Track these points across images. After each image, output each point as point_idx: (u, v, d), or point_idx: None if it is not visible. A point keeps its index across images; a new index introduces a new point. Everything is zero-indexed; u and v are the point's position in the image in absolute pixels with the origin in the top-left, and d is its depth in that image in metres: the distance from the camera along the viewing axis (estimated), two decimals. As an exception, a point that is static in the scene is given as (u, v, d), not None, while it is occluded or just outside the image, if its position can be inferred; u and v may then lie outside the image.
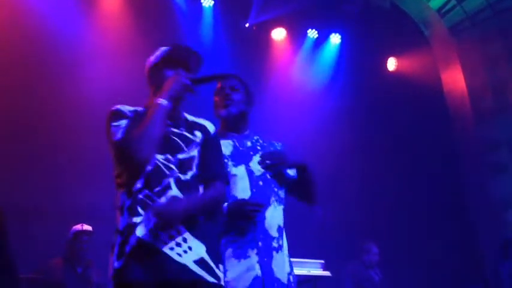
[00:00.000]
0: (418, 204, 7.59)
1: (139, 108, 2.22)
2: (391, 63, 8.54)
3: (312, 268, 4.64)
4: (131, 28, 6.57)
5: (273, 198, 2.64)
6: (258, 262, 2.49)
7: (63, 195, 5.49)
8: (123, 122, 2.12)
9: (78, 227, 4.82)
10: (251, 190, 2.56)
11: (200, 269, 2.01)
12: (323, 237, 6.32)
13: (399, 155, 7.77)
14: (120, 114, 2.15)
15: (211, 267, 2.04)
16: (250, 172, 2.62)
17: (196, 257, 2.02)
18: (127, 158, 2.04)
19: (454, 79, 8.49)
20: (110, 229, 2.16)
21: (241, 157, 2.65)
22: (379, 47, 8.29)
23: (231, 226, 2.50)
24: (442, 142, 8.05)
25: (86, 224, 4.88)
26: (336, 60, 8.09)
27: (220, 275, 2.08)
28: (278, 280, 2.55)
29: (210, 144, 2.26)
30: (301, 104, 7.47)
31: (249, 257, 2.49)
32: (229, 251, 2.48)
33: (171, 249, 1.99)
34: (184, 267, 1.98)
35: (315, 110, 7.52)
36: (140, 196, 2.04)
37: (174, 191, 2.05)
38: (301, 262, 4.61)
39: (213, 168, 2.21)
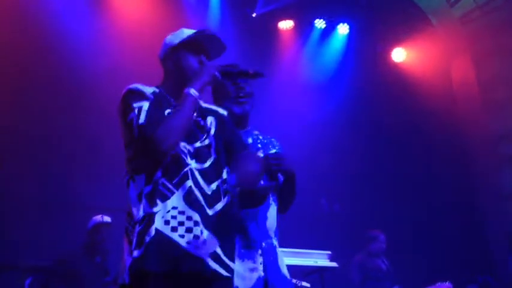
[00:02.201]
0: (426, 195, 7.56)
1: (157, 90, 2.14)
2: (400, 54, 8.47)
3: (319, 259, 4.63)
4: (138, 20, 6.55)
5: (271, 199, 2.64)
6: (261, 263, 2.49)
7: (78, 186, 5.52)
8: (145, 104, 2.01)
9: (98, 218, 4.85)
10: None
11: (214, 263, 1.99)
12: (330, 228, 6.31)
13: (407, 146, 7.74)
14: (141, 95, 2.04)
15: (225, 262, 2.03)
16: None
17: (210, 250, 1.99)
18: (149, 146, 1.96)
19: (464, 70, 8.42)
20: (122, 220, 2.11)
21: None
22: (388, 37, 8.23)
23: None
24: (451, 133, 8.00)
25: (104, 215, 4.91)
26: (343, 51, 8.02)
27: (233, 267, 2.07)
28: (284, 276, 2.58)
29: (226, 126, 2.23)
30: (308, 95, 7.43)
31: (253, 257, 2.49)
32: None
33: (188, 242, 1.97)
34: (200, 260, 1.97)
35: (322, 101, 7.48)
36: (159, 185, 1.99)
37: (190, 182, 2.01)
38: (308, 253, 4.61)
39: (238, 142, 2.22)
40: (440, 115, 7.94)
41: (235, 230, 2.14)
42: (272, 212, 2.62)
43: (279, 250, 2.62)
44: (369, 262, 6.00)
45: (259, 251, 2.51)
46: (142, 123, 1.97)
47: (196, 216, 1.99)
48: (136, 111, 1.99)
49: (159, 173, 1.99)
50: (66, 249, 4.83)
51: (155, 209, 1.97)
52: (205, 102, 2.30)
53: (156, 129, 1.94)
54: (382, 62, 8.21)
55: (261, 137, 2.77)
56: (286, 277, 2.58)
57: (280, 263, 2.57)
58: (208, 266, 1.97)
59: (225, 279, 2.01)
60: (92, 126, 5.67)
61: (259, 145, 2.72)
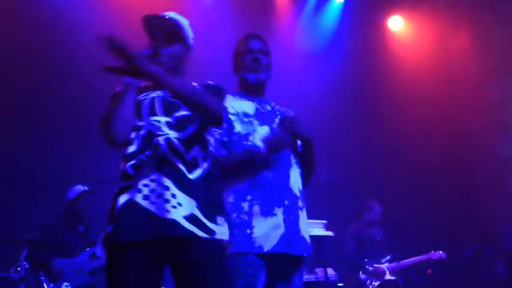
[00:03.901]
0: (422, 164, 7.58)
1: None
2: (396, 22, 8.37)
3: (314, 228, 4.66)
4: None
5: (293, 160, 2.67)
6: (283, 220, 2.50)
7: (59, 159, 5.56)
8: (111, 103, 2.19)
9: (80, 187, 4.84)
10: None
11: (190, 225, 2.01)
12: (326, 197, 6.34)
13: (403, 116, 7.72)
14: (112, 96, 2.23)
15: (203, 223, 2.04)
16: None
17: (186, 213, 2.02)
18: (103, 137, 2.12)
19: (462, 40, 8.34)
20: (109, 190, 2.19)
21: (264, 118, 2.68)
22: (385, 5, 8.12)
23: (258, 183, 2.52)
24: (447, 102, 7.97)
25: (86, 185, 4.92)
26: (339, 20, 7.92)
27: (216, 229, 2.07)
28: (303, 239, 2.59)
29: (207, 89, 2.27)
30: (304, 64, 7.37)
31: (275, 215, 2.50)
32: (256, 208, 2.49)
33: (159, 207, 2.00)
34: (173, 222, 1.99)
35: (319, 69, 7.42)
36: (132, 158, 2.09)
37: (163, 150, 2.08)
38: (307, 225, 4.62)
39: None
40: (437, 84, 7.91)
41: (217, 193, 2.17)
42: (294, 172, 2.64)
43: (304, 214, 2.63)
44: (364, 231, 6.06)
45: (282, 209, 2.52)
46: (100, 119, 2.14)
47: (169, 182, 2.04)
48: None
49: (133, 149, 2.12)
50: (48, 220, 4.84)
51: (129, 182, 2.06)
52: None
53: (102, 125, 2.11)
54: (378, 32, 8.12)
55: (278, 107, 2.82)
56: (305, 240, 2.59)
57: (301, 224, 2.58)
58: (183, 228, 1.99)
59: (204, 240, 2.02)
60: (81, 100, 5.63)
61: (278, 112, 2.76)
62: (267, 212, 2.49)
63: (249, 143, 2.57)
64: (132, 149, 2.11)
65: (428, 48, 8.20)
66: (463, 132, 8.10)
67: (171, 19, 2.31)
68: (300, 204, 2.63)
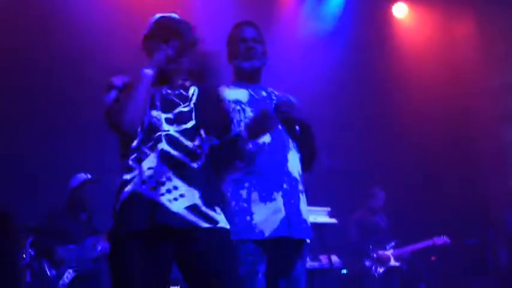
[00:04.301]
0: (426, 150, 7.56)
1: (129, 79, 2.27)
2: (401, 9, 8.30)
3: (318, 215, 4.66)
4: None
5: (291, 144, 2.65)
6: (283, 204, 2.50)
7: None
8: (113, 93, 2.21)
9: (83, 175, 4.86)
10: (270, 133, 2.55)
11: (192, 215, 2.05)
12: (330, 184, 6.34)
13: (407, 102, 7.68)
14: (110, 86, 2.24)
15: (205, 213, 2.08)
16: None
17: (188, 204, 2.06)
18: (114, 127, 2.13)
19: (466, 25, 8.28)
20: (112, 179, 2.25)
21: (258, 104, 2.64)
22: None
23: (254, 169, 2.51)
24: (451, 87, 7.92)
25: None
26: (343, 6, 7.86)
27: (218, 217, 2.12)
28: (305, 221, 2.58)
29: (207, 94, 2.30)
30: (307, 50, 7.32)
31: (274, 199, 2.49)
32: (254, 194, 2.48)
33: (162, 196, 2.03)
34: (175, 214, 2.02)
35: (322, 56, 7.38)
36: (133, 152, 2.12)
37: (163, 145, 2.11)
38: (308, 210, 4.62)
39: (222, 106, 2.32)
40: (441, 70, 7.86)
41: (214, 182, 2.24)
42: (293, 156, 2.62)
43: (304, 196, 2.63)
44: (367, 219, 6.07)
45: (280, 193, 2.51)
46: (105, 109, 2.18)
47: (171, 173, 2.08)
48: (105, 100, 2.21)
49: (136, 144, 2.14)
50: (51, 208, 4.86)
51: (128, 176, 2.10)
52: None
53: (116, 114, 2.12)
54: (383, 17, 8.06)
55: (276, 92, 2.79)
56: (306, 223, 2.59)
57: (302, 207, 2.58)
58: (186, 220, 2.03)
59: (206, 230, 2.06)
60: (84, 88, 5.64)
61: (274, 97, 2.73)
62: (266, 198, 2.48)
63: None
64: (134, 142, 2.14)
65: (432, 34, 8.13)
66: (466, 119, 8.06)
67: (186, 23, 2.35)
68: (301, 187, 2.62)
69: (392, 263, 5.87)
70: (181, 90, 2.33)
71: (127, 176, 2.10)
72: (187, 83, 2.38)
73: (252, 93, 2.69)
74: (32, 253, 4.47)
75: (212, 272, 2.03)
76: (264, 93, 2.73)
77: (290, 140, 2.64)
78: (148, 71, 2.20)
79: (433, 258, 6.60)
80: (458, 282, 6.95)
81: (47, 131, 5.65)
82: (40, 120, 5.70)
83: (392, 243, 5.95)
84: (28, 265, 4.39)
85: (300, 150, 2.70)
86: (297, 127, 2.69)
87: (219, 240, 2.09)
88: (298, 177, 2.61)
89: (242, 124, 2.55)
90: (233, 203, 2.48)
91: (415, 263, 6.15)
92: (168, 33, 2.29)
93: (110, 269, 2.08)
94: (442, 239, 6.07)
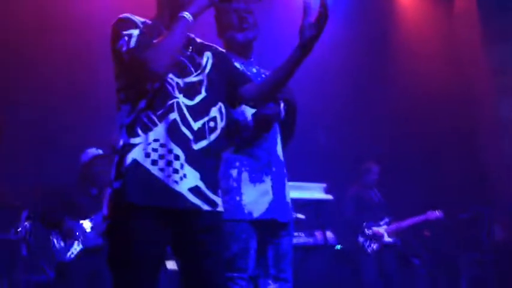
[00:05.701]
0: (423, 125, 7.54)
1: (148, 21, 2.09)
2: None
3: (314, 191, 4.67)
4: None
5: (277, 128, 2.66)
6: (271, 187, 2.52)
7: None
8: (135, 32, 1.98)
9: (93, 150, 4.82)
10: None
11: (195, 197, 1.96)
12: (326, 160, 6.33)
13: (405, 79, 7.64)
14: (131, 23, 2.02)
15: (206, 195, 2.00)
16: None
17: (191, 185, 1.96)
18: (139, 69, 1.92)
19: (466, 2, 8.20)
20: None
21: None
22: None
23: (246, 150, 2.52)
24: (450, 65, 7.88)
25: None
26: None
27: (217, 200, 2.04)
28: (288, 204, 2.62)
29: (225, 63, 2.20)
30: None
31: (263, 181, 2.52)
32: (244, 175, 2.50)
33: (168, 176, 1.93)
34: (179, 195, 1.94)
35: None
36: (142, 116, 1.96)
37: (175, 115, 1.97)
38: (304, 185, 4.63)
39: (241, 76, 2.24)
40: (440, 51, 7.82)
41: (218, 165, 2.11)
42: (279, 140, 2.64)
43: (286, 179, 2.65)
44: (362, 194, 6.07)
45: (270, 176, 2.53)
46: (132, 47, 1.94)
47: (178, 151, 1.95)
48: (126, 38, 1.96)
49: (143, 103, 1.97)
50: (61, 181, 4.86)
51: (136, 140, 1.94)
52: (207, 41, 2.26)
53: (147, 50, 1.91)
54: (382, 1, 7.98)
55: (263, 70, 2.75)
56: (288, 205, 2.62)
57: (286, 190, 2.61)
58: (188, 201, 1.95)
59: (206, 213, 1.99)
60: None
61: (263, 75, 2.69)
62: (256, 179, 2.50)
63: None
64: (143, 103, 1.97)
65: (433, 12, 8.07)
66: (465, 95, 8.04)
67: None
68: (285, 171, 2.65)
69: (386, 239, 5.90)
70: (194, 53, 2.13)
71: (131, 140, 1.94)
72: (197, 41, 2.19)
73: (244, 69, 2.62)
74: (28, 227, 4.45)
75: (207, 254, 1.98)
76: (254, 70, 2.70)
77: (277, 124, 2.64)
78: (189, 16, 1.97)
79: (426, 233, 6.64)
80: (451, 258, 7.01)
81: (62, 105, 5.62)
82: (55, 94, 5.66)
83: (386, 219, 5.97)
84: (23, 239, 4.37)
85: (281, 129, 2.69)
86: (283, 107, 2.65)
87: (217, 224, 2.04)
88: (283, 160, 2.64)
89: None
90: (223, 181, 2.46)
91: (408, 239, 6.19)
92: None
93: (109, 237, 2.01)
94: (435, 214, 6.10)
